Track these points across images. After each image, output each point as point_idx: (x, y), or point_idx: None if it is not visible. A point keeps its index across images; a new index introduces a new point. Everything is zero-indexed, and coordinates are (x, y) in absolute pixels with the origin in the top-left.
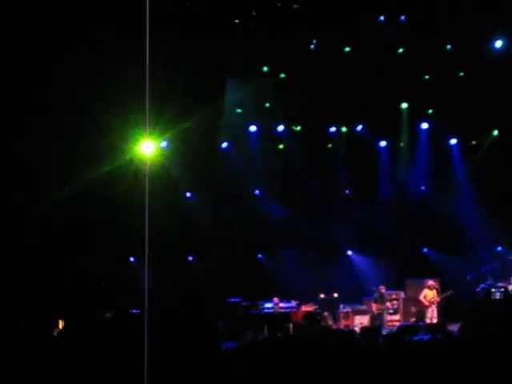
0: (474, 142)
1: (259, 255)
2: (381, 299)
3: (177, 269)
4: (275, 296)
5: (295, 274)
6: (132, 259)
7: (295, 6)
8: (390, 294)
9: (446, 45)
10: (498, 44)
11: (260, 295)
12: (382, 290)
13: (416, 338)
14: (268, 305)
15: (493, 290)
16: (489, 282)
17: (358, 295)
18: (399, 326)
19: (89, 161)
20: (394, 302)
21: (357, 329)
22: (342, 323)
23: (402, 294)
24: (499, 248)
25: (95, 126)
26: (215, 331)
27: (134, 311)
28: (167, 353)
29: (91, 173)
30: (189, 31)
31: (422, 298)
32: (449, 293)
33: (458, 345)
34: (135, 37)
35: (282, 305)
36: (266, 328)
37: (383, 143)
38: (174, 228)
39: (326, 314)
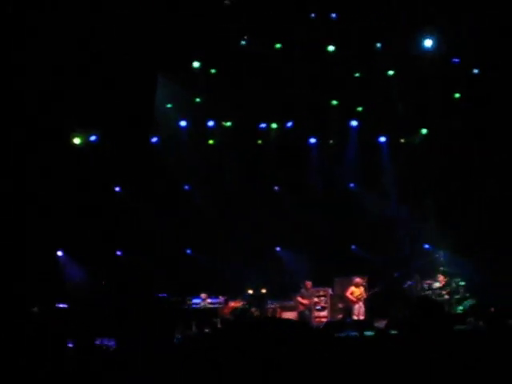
0: (402, 140)
1: (188, 251)
2: (307, 294)
3: (104, 263)
4: (203, 292)
5: (223, 270)
6: (60, 253)
7: (226, 1)
8: (317, 290)
9: (376, 43)
10: (428, 43)
11: (188, 291)
12: (309, 285)
13: (342, 335)
14: (196, 300)
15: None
16: (413, 281)
17: (286, 291)
18: (326, 322)
19: None
20: (322, 298)
21: None
22: None
23: (330, 291)
24: (426, 246)
25: None
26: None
27: (61, 306)
28: (93, 346)
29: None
30: (121, 24)
31: (348, 294)
32: (376, 290)
33: (384, 340)
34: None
35: (209, 300)
36: (193, 323)
37: (313, 140)
38: (102, 222)
39: (253, 309)
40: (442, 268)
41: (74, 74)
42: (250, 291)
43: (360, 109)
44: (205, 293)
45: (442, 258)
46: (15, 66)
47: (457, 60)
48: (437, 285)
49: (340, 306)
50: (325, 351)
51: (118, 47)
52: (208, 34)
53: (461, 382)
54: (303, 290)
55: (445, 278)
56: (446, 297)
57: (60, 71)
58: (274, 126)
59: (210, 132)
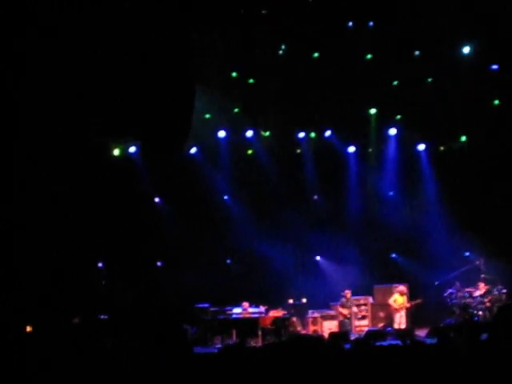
0: (442, 148)
1: (228, 260)
2: (347, 304)
3: (145, 275)
4: (244, 301)
5: (264, 280)
6: (100, 264)
7: (263, 11)
8: (358, 300)
9: (415, 51)
10: (466, 50)
11: (229, 301)
12: (348, 294)
13: (384, 344)
14: (237, 310)
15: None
16: (454, 289)
17: (326, 301)
18: (367, 331)
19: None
20: (362, 307)
21: (325, 334)
22: (311, 328)
23: (371, 299)
24: (467, 253)
25: None
26: (183, 336)
27: (102, 317)
28: (137, 358)
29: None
30: (161, 32)
31: (391, 301)
32: (419, 301)
33: (425, 350)
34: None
35: (250, 310)
36: (234, 333)
37: (352, 149)
38: (142, 234)
39: (294, 319)
40: (482, 275)
41: (113, 84)
42: (291, 301)
43: (399, 117)
44: (246, 302)
45: (482, 266)
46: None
47: (495, 67)
48: (478, 292)
49: (381, 314)
50: (365, 360)
51: (158, 56)
52: (246, 43)
53: None
54: (343, 299)
55: (486, 285)
56: (488, 304)
57: (98, 84)
58: (312, 134)
59: (249, 142)
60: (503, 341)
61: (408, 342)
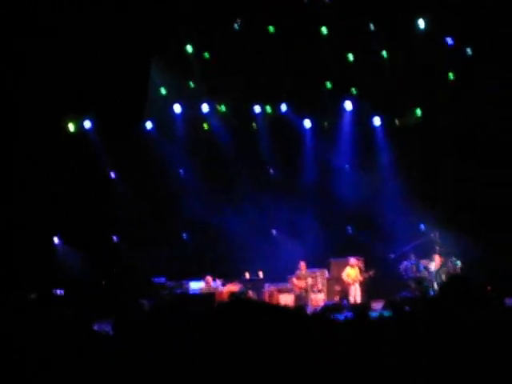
0: (397, 122)
1: (184, 234)
2: (302, 276)
3: (101, 250)
4: (207, 274)
5: (221, 253)
6: (56, 239)
7: None
8: (313, 272)
9: (370, 24)
10: (421, 23)
11: (187, 275)
12: (303, 266)
13: (341, 316)
14: (195, 284)
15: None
16: (409, 262)
17: (283, 274)
18: (323, 306)
19: None
20: (318, 279)
21: None
22: (267, 302)
23: (326, 273)
24: (422, 226)
25: None
26: (139, 309)
27: (58, 292)
28: (90, 331)
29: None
30: (113, 12)
31: (344, 276)
32: (371, 273)
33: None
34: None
35: (212, 284)
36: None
37: (307, 122)
38: (97, 210)
39: (250, 293)
40: (437, 248)
41: (66, 57)
42: (247, 274)
43: (354, 90)
44: (210, 275)
45: (437, 238)
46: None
47: (450, 40)
48: (433, 265)
49: (337, 288)
50: (322, 334)
51: (111, 31)
52: (201, 18)
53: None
54: (298, 272)
55: (441, 257)
56: (443, 277)
57: (52, 55)
58: (268, 108)
59: (205, 116)
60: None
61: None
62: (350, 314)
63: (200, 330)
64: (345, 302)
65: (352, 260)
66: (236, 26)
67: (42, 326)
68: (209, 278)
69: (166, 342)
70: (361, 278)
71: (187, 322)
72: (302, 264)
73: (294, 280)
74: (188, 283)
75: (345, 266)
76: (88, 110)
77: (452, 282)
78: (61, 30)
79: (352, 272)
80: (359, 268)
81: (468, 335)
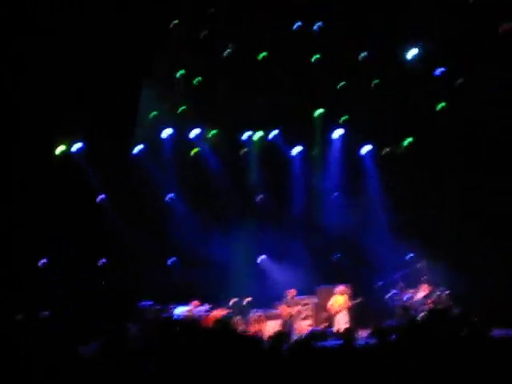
0: (386, 150)
1: (172, 259)
2: (290, 303)
3: (88, 272)
4: (195, 299)
5: (208, 278)
6: (42, 261)
7: (211, 9)
8: (302, 299)
9: (361, 52)
10: (412, 53)
11: (174, 299)
12: (292, 293)
13: (326, 344)
14: (181, 309)
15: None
16: (396, 290)
17: (270, 300)
18: (309, 332)
19: None
20: (306, 306)
21: (268, 334)
22: (254, 328)
23: (315, 299)
24: (410, 255)
25: None
26: (123, 334)
27: (45, 313)
28: (72, 354)
29: None
30: (106, 31)
31: (329, 305)
32: (359, 300)
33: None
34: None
35: (197, 309)
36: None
37: (297, 150)
38: (85, 232)
39: (237, 318)
40: (425, 277)
41: (56, 80)
42: (234, 300)
43: (344, 118)
44: (197, 301)
45: (425, 267)
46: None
47: (440, 70)
48: (420, 294)
49: (324, 315)
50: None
51: (103, 55)
52: (192, 43)
53: None
54: (288, 298)
55: (428, 287)
56: (430, 306)
57: (41, 78)
58: (258, 135)
59: (194, 141)
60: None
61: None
62: (335, 342)
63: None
64: (330, 329)
65: (340, 287)
66: (227, 51)
67: (29, 348)
68: (196, 303)
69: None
70: (349, 304)
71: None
72: (292, 291)
73: (283, 307)
74: (174, 308)
75: (332, 294)
76: (77, 133)
77: (432, 315)
78: (46, 57)
79: (339, 299)
80: (347, 295)
81: (449, 364)
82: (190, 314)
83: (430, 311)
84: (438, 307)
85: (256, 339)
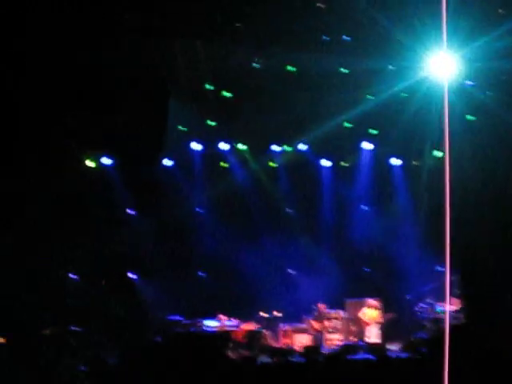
0: (415, 163)
1: (201, 273)
2: (320, 317)
3: (119, 287)
4: (220, 313)
5: (236, 292)
6: (73, 276)
7: (238, 24)
8: (329, 313)
9: (389, 65)
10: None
11: (202, 313)
12: (322, 308)
13: (358, 357)
14: (210, 323)
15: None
16: (428, 302)
17: (298, 314)
18: (342, 345)
19: None
20: (334, 320)
21: (297, 348)
22: (283, 342)
23: (342, 313)
24: (438, 268)
25: None
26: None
27: (73, 328)
28: (107, 371)
29: None
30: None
31: (361, 315)
32: (391, 315)
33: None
34: None
35: (226, 323)
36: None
37: (326, 163)
38: (115, 247)
39: (266, 332)
40: (457, 291)
41: (85, 94)
42: (263, 314)
43: (374, 131)
44: (222, 315)
45: (457, 281)
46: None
47: (470, 83)
48: (452, 308)
49: (353, 328)
50: (339, 374)
51: (131, 69)
52: (220, 56)
53: None
54: (316, 313)
55: (459, 301)
56: (460, 320)
57: (71, 92)
58: (287, 148)
59: (223, 155)
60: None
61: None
62: (366, 355)
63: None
64: (361, 342)
65: (371, 301)
66: (255, 64)
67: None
68: (222, 317)
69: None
70: (381, 320)
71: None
72: (321, 306)
73: (312, 321)
74: (202, 321)
75: (361, 306)
76: (107, 147)
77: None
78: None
79: (370, 312)
80: (379, 309)
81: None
82: (221, 327)
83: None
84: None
85: (288, 351)
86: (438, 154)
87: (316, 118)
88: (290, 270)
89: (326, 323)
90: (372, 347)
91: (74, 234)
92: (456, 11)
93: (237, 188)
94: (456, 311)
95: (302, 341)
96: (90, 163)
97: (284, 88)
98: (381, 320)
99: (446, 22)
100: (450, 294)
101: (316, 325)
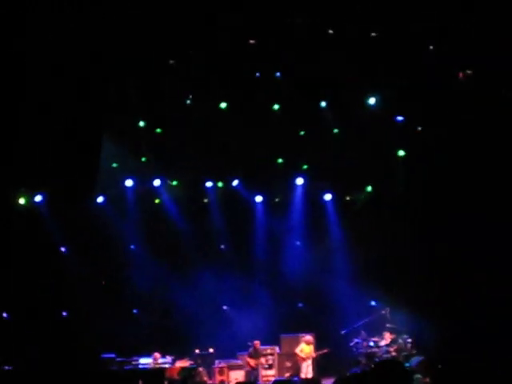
0: (348, 198)
1: (134, 310)
2: (256, 354)
3: (50, 325)
4: (156, 351)
5: (171, 329)
6: (4, 315)
7: (171, 61)
8: (265, 349)
9: (321, 101)
10: (372, 101)
11: (137, 350)
12: (257, 345)
13: None
14: (145, 360)
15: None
16: (360, 338)
17: (233, 350)
18: (273, 381)
19: None
20: (269, 356)
21: None
22: (217, 379)
23: (277, 349)
24: (373, 302)
25: None
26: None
27: (6, 368)
28: None
29: None
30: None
31: (298, 351)
32: (325, 350)
33: None
34: None
35: (160, 360)
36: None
37: (259, 198)
38: (46, 284)
39: (201, 369)
40: (388, 325)
41: (17, 132)
42: (198, 350)
43: (305, 166)
44: (158, 352)
45: (388, 315)
46: None
47: (400, 118)
48: (383, 342)
49: (287, 364)
50: None
51: (65, 106)
52: (153, 94)
53: None
54: (251, 350)
55: (391, 334)
56: (393, 354)
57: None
58: (220, 184)
59: (156, 191)
60: None
61: None
62: None
63: None
64: (296, 377)
65: (307, 337)
66: (188, 101)
67: None
68: (157, 355)
69: None
70: (314, 355)
71: None
72: (256, 342)
73: (247, 358)
74: (137, 359)
75: (297, 342)
76: (39, 184)
77: (379, 367)
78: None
79: (306, 348)
80: (313, 344)
81: None
82: (155, 364)
83: (378, 363)
84: (402, 354)
85: None
86: (369, 188)
87: (248, 153)
88: (224, 307)
89: (262, 360)
90: (307, 382)
91: (5, 274)
92: None
93: (170, 224)
94: (387, 345)
95: (237, 377)
96: (22, 201)
97: (216, 123)
98: (314, 355)
99: None
100: (383, 328)
101: (252, 362)
